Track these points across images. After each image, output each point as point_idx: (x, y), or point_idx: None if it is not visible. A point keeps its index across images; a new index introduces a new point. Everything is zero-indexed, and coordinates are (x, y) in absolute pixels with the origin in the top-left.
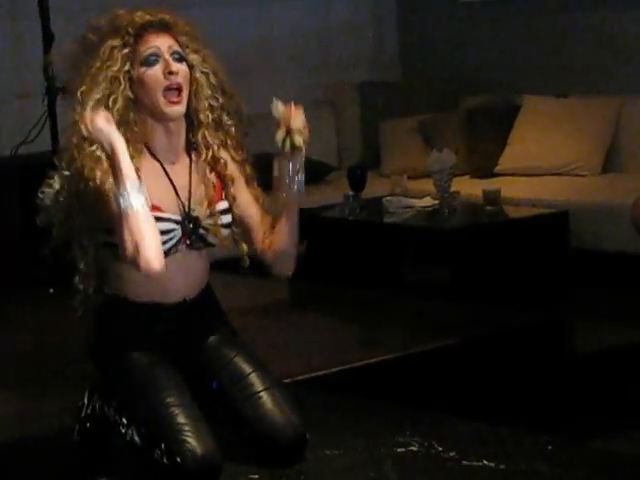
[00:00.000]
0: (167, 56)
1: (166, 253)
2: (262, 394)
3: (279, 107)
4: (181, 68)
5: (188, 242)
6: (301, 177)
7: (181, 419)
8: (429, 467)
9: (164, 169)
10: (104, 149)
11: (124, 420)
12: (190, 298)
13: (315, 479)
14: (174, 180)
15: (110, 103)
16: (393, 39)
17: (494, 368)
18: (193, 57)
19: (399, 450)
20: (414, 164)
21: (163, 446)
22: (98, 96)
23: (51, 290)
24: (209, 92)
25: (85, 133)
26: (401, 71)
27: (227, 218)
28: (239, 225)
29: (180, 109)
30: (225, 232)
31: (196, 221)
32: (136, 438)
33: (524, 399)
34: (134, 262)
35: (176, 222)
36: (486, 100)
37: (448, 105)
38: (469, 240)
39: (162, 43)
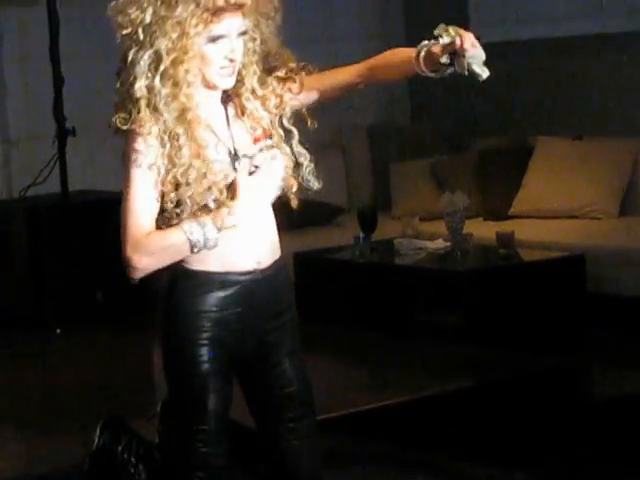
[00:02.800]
0: (234, 38)
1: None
2: (303, 432)
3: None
4: (240, 47)
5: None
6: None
7: (203, 458)
8: None
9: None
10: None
11: (133, 459)
12: (261, 268)
13: None
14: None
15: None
16: (403, 80)
17: (508, 413)
18: (247, 24)
19: None
20: (426, 206)
21: None
22: (186, 66)
23: (58, 330)
24: (253, 59)
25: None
26: (411, 113)
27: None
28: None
29: (232, 81)
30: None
31: (244, 155)
32: (144, 478)
33: (538, 445)
34: (127, 262)
35: (221, 162)
36: (499, 142)
37: (460, 147)
38: (482, 283)
39: (233, 26)
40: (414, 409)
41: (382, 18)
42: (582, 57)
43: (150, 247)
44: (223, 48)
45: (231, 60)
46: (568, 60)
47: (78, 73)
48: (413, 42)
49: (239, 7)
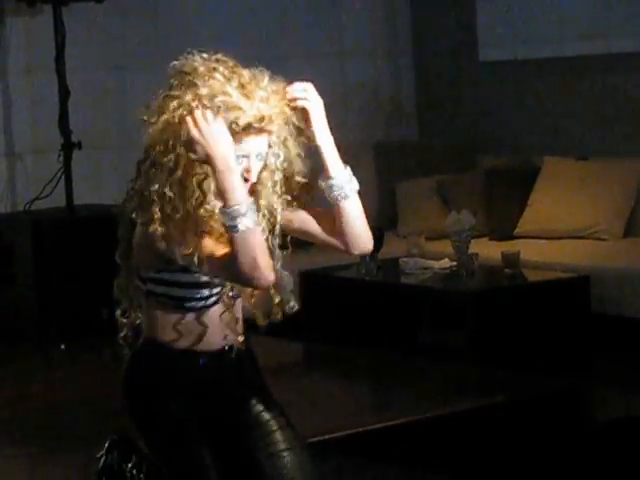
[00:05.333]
0: (253, 158)
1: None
2: (285, 453)
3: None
4: (257, 169)
5: (231, 293)
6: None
7: None
8: None
9: None
10: (206, 158)
11: (142, 476)
12: (229, 346)
13: None
14: None
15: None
16: (410, 99)
17: (511, 435)
18: (273, 140)
19: None
20: (432, 225)
21: None
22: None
23: (62, 346)
24: (272, 176)
25: (194, 132)
26: (418, 131)
27: None
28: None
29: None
30: None
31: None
32: None
33: (541, 468)
34: (251, 280)
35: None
36: (505, 161)
37: (467, 166)
38: (487, 303)
39: (254, 148)
40: (416, 429)
41: (390, 35)
42: (588, 77)
43: (244, 252)
44: (239, 166)
45: (245, 179)
46: (574, 80)
47: (84, 86)
48: (420, 59)
49: (263, 130)
